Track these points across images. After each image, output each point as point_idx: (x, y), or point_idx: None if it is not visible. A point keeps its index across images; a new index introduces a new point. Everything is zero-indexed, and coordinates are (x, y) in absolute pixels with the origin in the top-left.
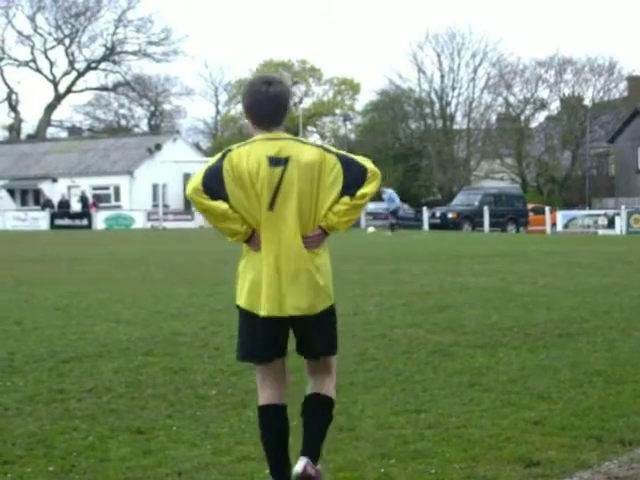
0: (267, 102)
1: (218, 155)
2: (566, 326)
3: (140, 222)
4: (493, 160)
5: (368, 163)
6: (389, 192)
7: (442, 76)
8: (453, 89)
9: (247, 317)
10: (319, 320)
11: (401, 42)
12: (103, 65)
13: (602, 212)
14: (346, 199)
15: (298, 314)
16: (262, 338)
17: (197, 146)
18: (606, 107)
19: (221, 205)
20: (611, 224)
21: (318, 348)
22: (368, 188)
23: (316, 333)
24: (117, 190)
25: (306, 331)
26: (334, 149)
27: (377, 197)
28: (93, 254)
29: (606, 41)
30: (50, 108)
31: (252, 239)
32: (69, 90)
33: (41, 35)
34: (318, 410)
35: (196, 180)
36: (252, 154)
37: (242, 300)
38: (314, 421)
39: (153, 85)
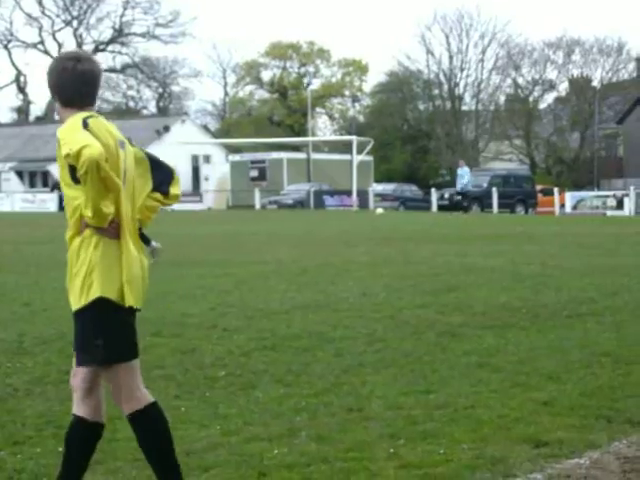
0: (75, 80)
1: (78, 121)
2: (575, 307)
3: None
4: (502, 141)
5: (170, 165)
6: (466, 169)
7: (450, 57)
8: (461, 70)
9: (115, 311)
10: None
11: (409, 23)
12: (111, 47)
13: (611, 193)
14: (158, 196)
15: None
16: (133, 332)
17: (205, 128)
18: (615, 88)
19: (118, 179)
20: (620, 205)
21: None
22: (178, 189)
23: None
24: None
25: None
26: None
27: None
28: None
29: (615, 22)
30: None
31: (112, 224)
32: None
33: (49, 17)
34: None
35: (96, 143)
36: (106, 129)
37: (110, 292)
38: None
39: (161, 67)
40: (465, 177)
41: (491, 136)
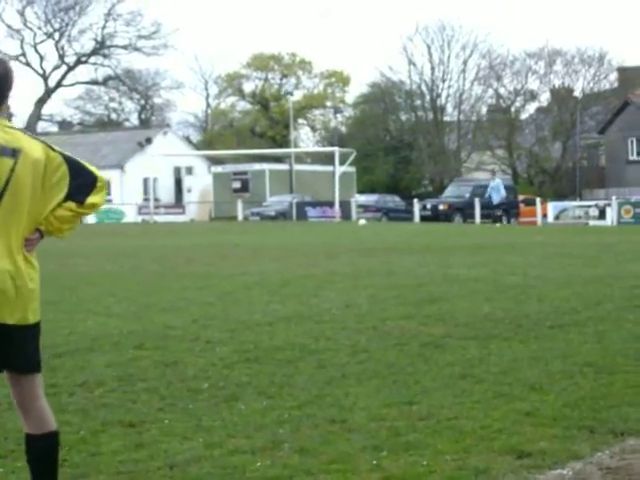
0: None
1: None
2: (557, 317)
3: (131, 216)
4: (484, 152)
5: (97, 171)
6: (497, 181)
7: (432, 68)
8: (443, 81)
9: None
10: (26, 333)
11: (391, 34)
12: (93, 59)
13: (593, 203)
14: (71, 205)
15: (11, 323)
16: None
17: (188, 139)
18: (596, 98)
19: None
20: (602, 215)
21: (21, 362)
22: (98, 198)
23: (21, 346)
24: (108, 184)
25: (12, 343)
26: (57, 148)
27: (369, 189)
28: (84, 248)
29: (596, 32)
30: (40, 102)
31: None
32: (59, 84)
33: (31, 29)
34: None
35: None
36: None
37: None
38: None
39: (143, 79)
40: (501, 189)
41: (473, 146)
